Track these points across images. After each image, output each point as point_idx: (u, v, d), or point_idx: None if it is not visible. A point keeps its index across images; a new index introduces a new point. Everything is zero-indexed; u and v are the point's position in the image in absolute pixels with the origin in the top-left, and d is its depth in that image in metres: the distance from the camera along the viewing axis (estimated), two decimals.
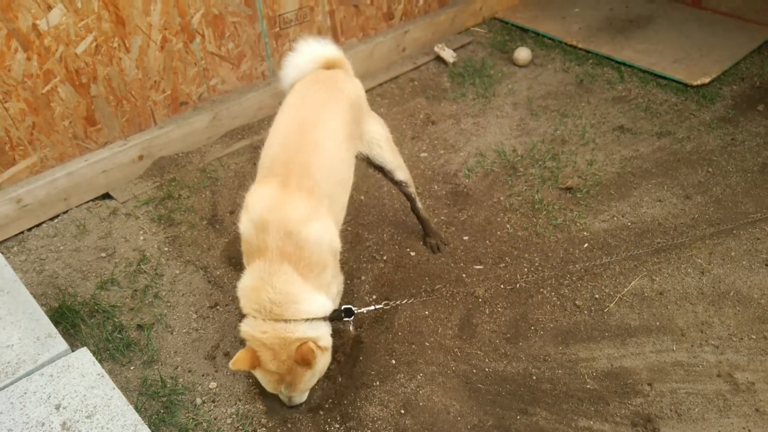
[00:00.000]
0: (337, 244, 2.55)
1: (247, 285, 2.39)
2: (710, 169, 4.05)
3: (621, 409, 2.68)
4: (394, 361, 2.90)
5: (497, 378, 2.83)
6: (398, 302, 2.98)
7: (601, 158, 4.17)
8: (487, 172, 4.07)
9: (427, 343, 2.99)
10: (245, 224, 2.41)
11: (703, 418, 2.65)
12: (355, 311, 2.63)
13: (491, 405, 2.71)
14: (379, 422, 2.65)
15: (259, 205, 2.36)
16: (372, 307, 2.85)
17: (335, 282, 2.63)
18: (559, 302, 3.18)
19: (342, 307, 2.60)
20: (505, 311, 3.13)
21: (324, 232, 2.41)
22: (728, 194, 3.84)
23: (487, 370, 2.86)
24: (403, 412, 2.68)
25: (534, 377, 2.82)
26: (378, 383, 2.81)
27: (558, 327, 3.06)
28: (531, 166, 4.10)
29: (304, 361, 2.27)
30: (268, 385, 2.41)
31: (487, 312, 3.13)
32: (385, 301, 2.92)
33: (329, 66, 2.96)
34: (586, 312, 3.12)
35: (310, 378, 2.39)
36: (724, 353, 2.92)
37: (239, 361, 2.30)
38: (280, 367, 2.32)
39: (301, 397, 2.61)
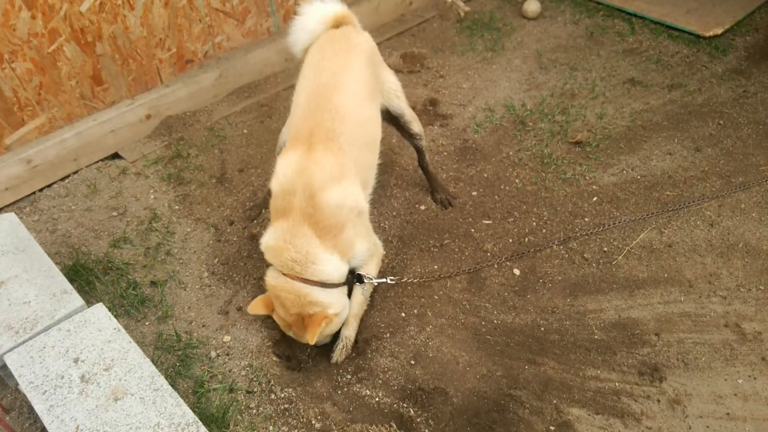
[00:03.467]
0: (362, 204, 2.65)
1: (270, 242, 2.53)
2: (721, 122, 4.00)
3: (628, 359, 2.72)
4: (403, 314, 2.94)
5: (506, 329, 2.86)
6: (405, 279, 3.03)
7: (611, 111, 4.13)
8: (495, 127, 4.04)
9: (436, 297, 3.02)
10: (275, 187, 2.53)
11: (709, 366, 2.69)
12: (366, 280, 2.76)
13: (500, 355, 2.75)
14: (390, 372, 2.71)
15: (287, 169, 2.48)
16: (383, 280, 2.90)
17: (360, 242, 2.67)
18: (567, 255, 3.19)
19: (355, 274, 2.75)
20: (513, 265, 3.16)
21: (345, 196, 2.50)
22: (739, 146, 3.81)
23: (495, 321, 2.90)
24: (413, 362, 2.74)
25: (542, 328, 2.86)
26: (388, 335, 2.86)
27: (566, 280, 3.08)
28: (540, 121, 4.07)
29: (311, 330, 2.43)
30: (280, 326, 2.64)
31: (496, 266, 3.16)
32: (390, 277, 2.96)
33: (337, 24, 2.97)
34: (594, 265, 3.14)
35: (314, 337, 2.45)
36: (731, 304, 2.93)
37: (256, 306, 2.56)
38: (290, 319, 2.51)
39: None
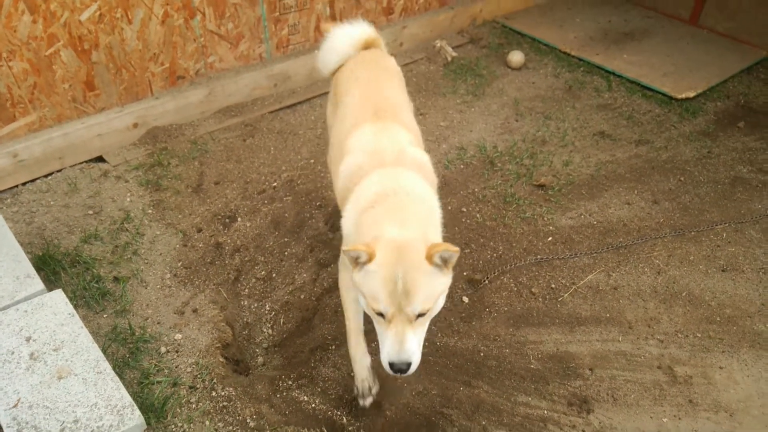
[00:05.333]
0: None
1: (369, 195, 2.22)
2: (682, 178, 4.19)
3: (560, 389, 2.82)
4: None
5: (446, 352, 2.98)
6: None
7: (577, 160, 4.32)
8: (466, 165, 4.22)
9: None
10: (358, 154, 2.43)
11: (637, 404, 2.79)
12: None
13: (437, 375, 2.86)
14: (330, 382, 2.81)
15: (366, 136, 2.48)
16: None
17: None
18: (516, 288, 3.32)
19: None
20: (462, 293, 3.28)
21: (423, 154, 2.55)
22: (696, 203, 3.98)
23: (438, 343, 3.01)
24: (352, 374, 2.84)
25: (482, 354, 2.97)
26: (334, 348, 2.97)
27: (512, 311, 3.20)
28: (509, 163, 4.25)
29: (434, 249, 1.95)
30: (382, 289, 1.94)
31: (448, 294, 3.28)
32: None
33: (367, 46, 3.09)
34: (540, 299, 3.27)
35: (428, 285, 1.98)
36: (667, 347, 3.05)
37: (357, 247, 1.96)
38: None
39: (415, 336, 2.04)
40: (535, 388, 2.82)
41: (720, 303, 3.28)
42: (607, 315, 3.20)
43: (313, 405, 2.71)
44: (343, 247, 2.14)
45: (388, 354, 1.99)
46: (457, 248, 1.94)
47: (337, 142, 2.69)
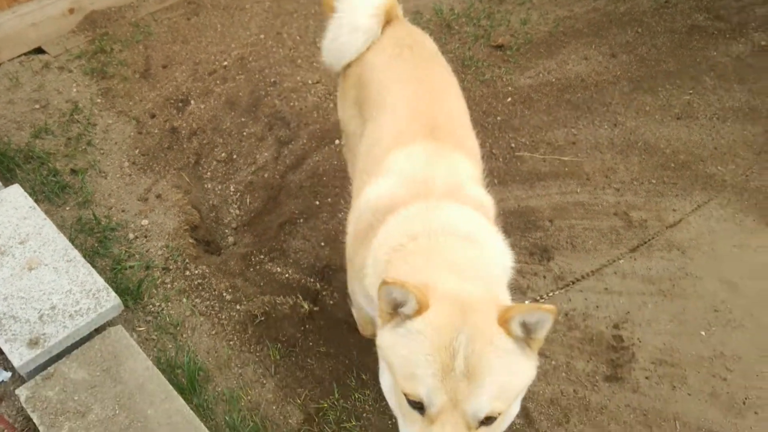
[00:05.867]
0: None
1: (408, 230, 1.65)
2: (639, 30, 4.15)
3: (521, 242, 2.94)
4: (317, 202, 3.10)
5: None
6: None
7: (535, 17, 4.22)
8: (422, 30, 4.10)
9: (350, 187, 3.17)
10: (390, 184, 1.81)
11: (595, 248, 2.94)
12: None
13: None
14: (301, 253, 2.88)
15: (416, 160, 1.84)
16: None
17: None
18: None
19: None
20: None
21: (485, 195, 1.94)
22: (653, 54, 3.97)
23: None
24: (323, 244, 2.91)
25: None
26: (302, 221, 3.02)
27: None
28: (466, 25, 4.15)
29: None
30: (431, 364, 1.30)
31: None
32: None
33: (389, 19, 2.28)
34: (501, 159, 3.32)
35: (505, 369, 1.34)
36: (623, 195, 3.17)
37: (407, 285, 1.33)
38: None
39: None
40: None
41: (674, 150, 3.37)
42: (566, 169, 3.28)
43: (287, 275, 2.80)
44: (385, 277, 1.35)
45: None
46: (552, 307, 1.30)
47: (368, 153, 2.03)
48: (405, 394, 1.30)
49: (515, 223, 3.01)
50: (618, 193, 3.17)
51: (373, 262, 1.69)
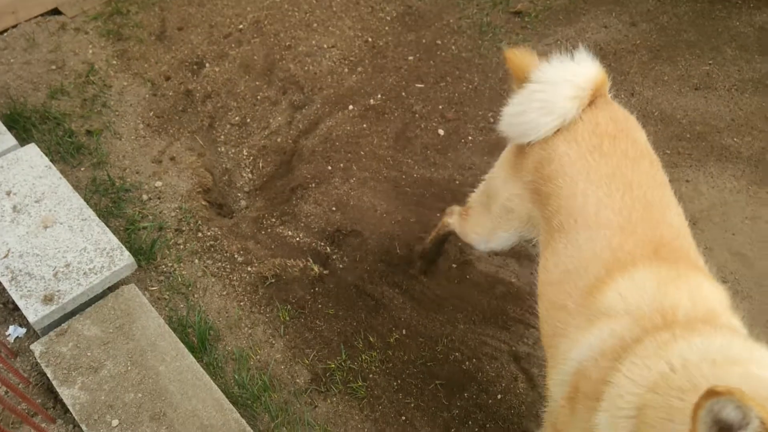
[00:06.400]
0: None
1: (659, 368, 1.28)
2: None
3: None
4: (330, 167, 3.11)
5: (424, 183, 3.05)
6: None
7: None
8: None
9: (362, 152, 3.18)
10: (617, 328, 1.46)
11: None
12: None
13: (415, 205, 2.96)
14: (312, 217, 2.91)
15: (645, 288, 1.50)
16: None
17: None
18: (493, 120, 3.34)
19: None
20: (438, 125, 3.30)
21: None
22: (674, 23, 3.89)
23: (415, 176, 3.08)
24: (334, 209, 2.93)
25: (457, 182, 3.05)
26: (314, 185, 3.04)
27: (487, 141, 3.24)
28: None
29: None
30: None
31: (422, 126, 3.30)
32: None
33: (594, 97, 1.85)
34: None
35: None
36: None
37: (747, 400, 0.97)
38: None
39: None
40: None
41: (691, 120, 3.32)
42: None
43: (298, 239, 2.82)
44: (712, 386, 0.99)
45: None
46: None
47: (565, 282, 1.67)
48: None
49: None
50: None
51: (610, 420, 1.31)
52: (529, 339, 2.53)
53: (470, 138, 3.25)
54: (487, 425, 2.30)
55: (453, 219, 2.46)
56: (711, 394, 0.97)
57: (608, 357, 1.39)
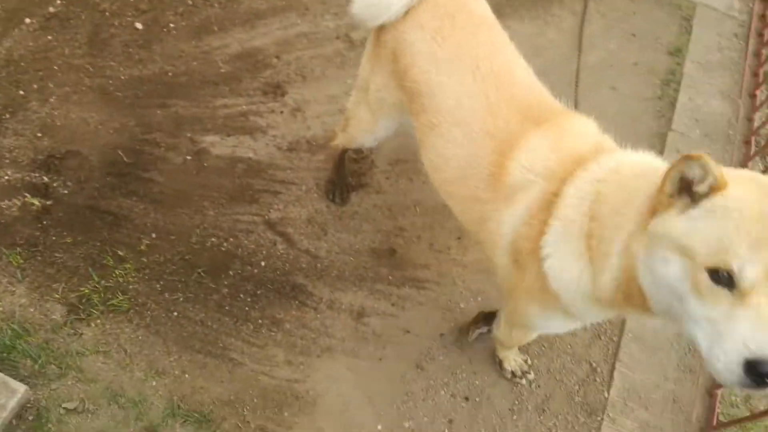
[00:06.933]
0: None
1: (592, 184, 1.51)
2: None
3: (253, 83, 2.93)
4: (22, 92, 2.78)
5: (134, 82, 2.87)
6: None
7: None
8: None
9: (55, 67, 2.87)
10: (538, 190, 1.58)
11: (324, 75, 3.02)
12: None
13: (130, 108, 2.79)
14: (16, 150, 2.61)
15: (542, 154, 1.61)
16: None
17: None
18: (191, 2, 3.18)
19: None
20: (134, 19, 3.07)
21: None
22: None
23: (122, 78, 2.88)
24: (40, 135, 2.66)
25: (170, 74, 2.92)
26: (8, 116, 2.70)
27: (190, 24, 3.10)
28: None
29: None
30: (744, 235, 1.20)
31: (116, 24, 3.05)
32: None
33: None
34: (216, 5, 3.18)
35: None
36: (342, 19, 3.23)
37: (704, 158, 1.25)
38: None
39: None
40: (229, 89, 2.90)
41: None
42: (283, 3, 3.24)
43: (6, 177, 2.54)
44: (687, 154, 1.24)
45: (749, 342, 1.16)
46: None
47: (466, 183, 1.73)
48: (712, 269, 1.19)
49: (243, 66, 2.98)
50: (337, 18, 3.24)
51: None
52: (278, 204, 2.61)
53: (172, 26, 3.08)
54: (258, 292, 2.39)
55: (338, 137, 2.42)
56: (686, 157, 1.22)
57: (539, 212, 1.54)
